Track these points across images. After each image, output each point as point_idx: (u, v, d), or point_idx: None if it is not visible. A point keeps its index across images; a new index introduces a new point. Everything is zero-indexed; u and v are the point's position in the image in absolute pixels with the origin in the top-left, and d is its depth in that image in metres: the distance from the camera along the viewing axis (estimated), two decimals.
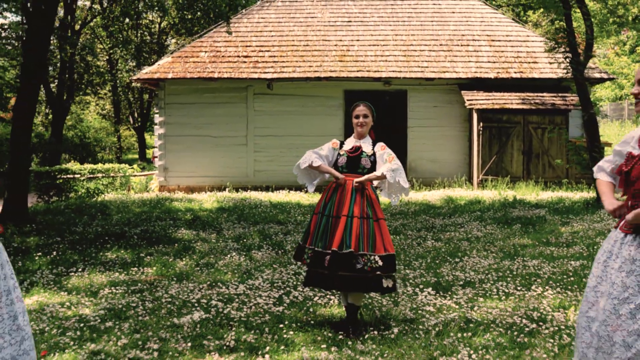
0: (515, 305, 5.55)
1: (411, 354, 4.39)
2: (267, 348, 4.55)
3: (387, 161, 5.08)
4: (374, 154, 5.13)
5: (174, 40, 42.67)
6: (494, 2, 35.09)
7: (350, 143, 5.25)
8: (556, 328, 4.84)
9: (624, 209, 3.16)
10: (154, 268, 7.58)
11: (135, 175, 20.40)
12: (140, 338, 4.85)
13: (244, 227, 10.71)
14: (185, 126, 17.32)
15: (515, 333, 4.78)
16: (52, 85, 30.89)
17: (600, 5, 21.21)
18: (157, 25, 40.44)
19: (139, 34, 38.33)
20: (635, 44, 22.00)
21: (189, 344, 4.68)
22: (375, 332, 4.87)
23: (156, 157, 33.60)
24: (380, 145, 5.18)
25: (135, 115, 42.51)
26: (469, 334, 4.81)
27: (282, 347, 4.60)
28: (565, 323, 4.97)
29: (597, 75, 16.59)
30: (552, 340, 4.55)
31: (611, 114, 28.27)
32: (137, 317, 5.45)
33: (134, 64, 39.48)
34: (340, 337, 4.80)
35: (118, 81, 38.70)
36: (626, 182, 3.17)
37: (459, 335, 4.77)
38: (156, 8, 27.92)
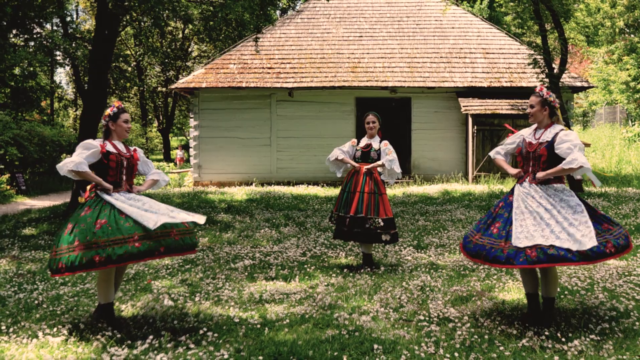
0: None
1: (390, 279, 6.78)
2: (297, 277, 6.95)
3: (387, 154, 7.50)
4: (379, 149, 7.54)
5: (196, 47, 45.25)
6: (502, 10, 37.27)
7: (364, 141, 7.67)
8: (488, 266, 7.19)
9: (521, 172, 5.33)
10: (207, 238, 9.99)
11: (171, 172, 22.90)
12: (211, 273, 7.27)
13: (271, 213, 13.07)
14: (217, 129, 19.76)
15: (462, 269, 7.16)
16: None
17: (590, 19, 23.41)
18: (181, 32, 42.93)
19: (164, 42, 40.82)
20: (622, 53, 24.10)
21: (245, 275, 7.11)
22: (369, 269, 7.26)
23: (180, 158, 36.06)
24: (384, 142, 7.60)
25: (161, 118, 45.11)
26: (432, 271, 7.18)
27: (306, 277, 7.00)
28: None
29: (579, 84, 18.82)
30: (483, 272, 6.90)
31: (606, 116, 30.38)
32: (204, 264, 7.87)
33: (159, 69, 42.07)
34: (345, 271, 7.20)
35: (145, 86, 41.25)
36: (526, 158, 5.34)
37: (424, 270, 7.15)
38: (183, 19, 30.31)
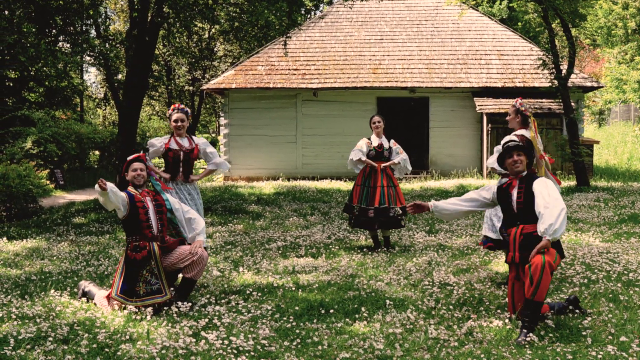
0: (471, 238, 9.04)
1: (402, 257, 7.94)
2: (323, 255, 8.15)
3: (398, 153, 8.69)
4: (390, 148, 8.72)
5: (222, 46, 46.58)
6: (522, 8, 38.09)
7: (375, 141, 8.84)
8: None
9: None
10: (242, 225, 11.22)
11: (203, 168, 24.23)
12: (249, 252, 8.49)
13: (298, 204, 14.25)
14: (246, 127, 21.01)
15: (465, 249, 8.30)
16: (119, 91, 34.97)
17: (603, 20, 24.27)
18: (207, 32, 44.23)
19: (191, 42, 42.13)
20: (634, 53, 24.91)
21: (278, 253, 8.32)
22: (385, 249, 8.44)
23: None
24: (392, 141, 8.79)
25: None
26: (440, 250, 8.33)
27: (331, 255, 8.20)
28: None
29: (589, 84, 19.77)
30: (483, 251, 8.03)
31: (621, 114, 31.15)
32: (242, 245, 9.09)
33: (187, 69, 43.44)
34: (365, 251, 8.37)
35: (173, 84, 42.63)
36: None
37: (433, 249, 8.31)
38: (211, 21, 31.49)
